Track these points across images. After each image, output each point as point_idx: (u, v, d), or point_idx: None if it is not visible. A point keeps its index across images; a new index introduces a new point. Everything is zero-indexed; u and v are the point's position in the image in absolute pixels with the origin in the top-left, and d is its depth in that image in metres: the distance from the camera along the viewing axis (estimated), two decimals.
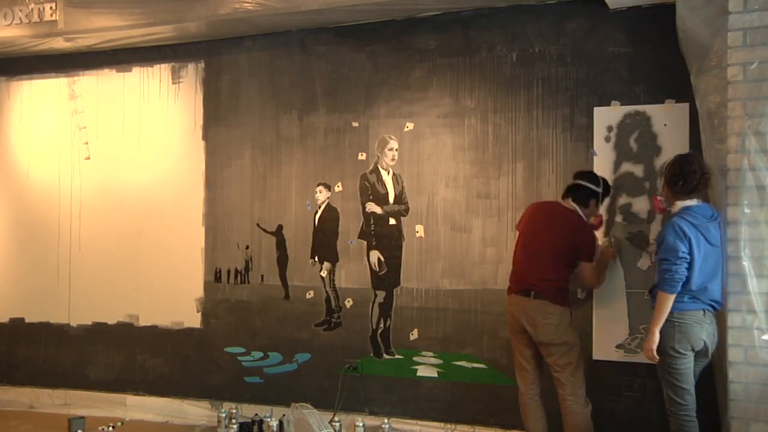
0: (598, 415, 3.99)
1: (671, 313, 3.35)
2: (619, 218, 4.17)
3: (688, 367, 3.37)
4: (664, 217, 3.96)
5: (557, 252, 3.77)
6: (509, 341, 4.18)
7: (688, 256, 3.28)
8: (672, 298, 3.32)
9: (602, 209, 4.11)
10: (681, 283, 3.30)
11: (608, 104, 4.19)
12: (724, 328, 3.39)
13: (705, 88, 3.55)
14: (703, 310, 3.36)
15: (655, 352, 3.37)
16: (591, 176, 3.93)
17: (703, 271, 3.32)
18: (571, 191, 3.90)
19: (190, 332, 5.26)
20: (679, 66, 3.84)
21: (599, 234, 4.09)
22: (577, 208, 3.85)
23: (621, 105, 4.17)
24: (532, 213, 3.98)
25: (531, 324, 3.76)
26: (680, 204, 3.42)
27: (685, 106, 3.98)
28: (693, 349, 3.35)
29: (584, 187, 3.86)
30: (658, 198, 3.71)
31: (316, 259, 4.95)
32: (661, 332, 3.36)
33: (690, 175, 3.37)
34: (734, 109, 3.36)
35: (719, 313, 3.42)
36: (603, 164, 4.20)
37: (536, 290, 3.75)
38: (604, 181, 3.97)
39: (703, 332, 3.35)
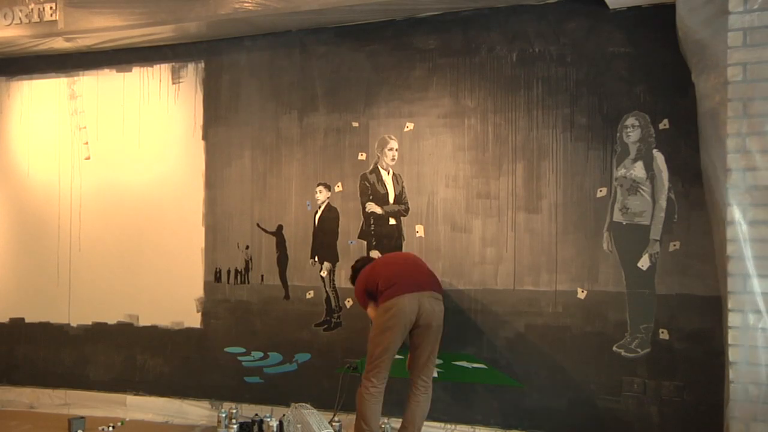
0: (600, 415, 3.99)
1: None
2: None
3: None
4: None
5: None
6: (509, 341, 4.20)
7: None
8: None
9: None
10: None
11: (611, 106, 4.20)
12: (724, 328, 3.39)
13: (705, 88, 3.55)
14: None
15: None
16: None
17: None
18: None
19: (190, 332, 5.26)
20: (679, 66, 3.84)
21: None
22: None
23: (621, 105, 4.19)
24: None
25: (429, 312, 4.02)
26: None
27: (686, 105, 3.98)
28: None
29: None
30: None
31: (316, 259, 4.95)
32: None
33: None
34: (734, 109, 3.36)
35: (720, 313, 3.42)
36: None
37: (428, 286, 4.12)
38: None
39: None
